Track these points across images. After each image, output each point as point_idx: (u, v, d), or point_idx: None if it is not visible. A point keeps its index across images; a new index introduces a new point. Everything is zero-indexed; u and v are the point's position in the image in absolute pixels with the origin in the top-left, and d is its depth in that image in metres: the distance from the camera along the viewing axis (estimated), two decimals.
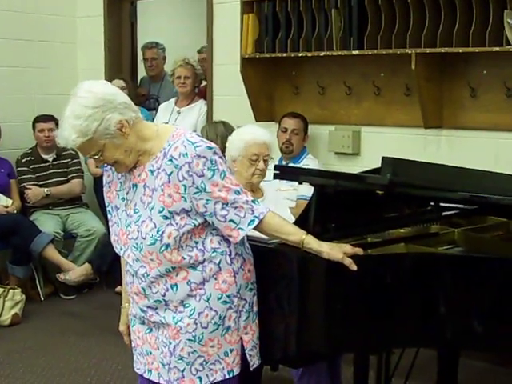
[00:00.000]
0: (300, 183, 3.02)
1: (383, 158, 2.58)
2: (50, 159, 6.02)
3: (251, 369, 2.60)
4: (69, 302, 5.76)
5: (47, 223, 5.78)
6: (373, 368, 3.12)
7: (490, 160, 4.31)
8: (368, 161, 4.80)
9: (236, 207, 2.42)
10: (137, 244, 2.45)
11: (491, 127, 4.40)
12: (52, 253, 5.60)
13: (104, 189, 2.62)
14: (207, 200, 2.40)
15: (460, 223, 3.40)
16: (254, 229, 2.47)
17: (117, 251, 2.58)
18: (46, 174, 5.98)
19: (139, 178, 2.47)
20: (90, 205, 6.21)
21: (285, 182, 4.32)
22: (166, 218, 2.40)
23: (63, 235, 5.86)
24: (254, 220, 2.44)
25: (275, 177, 2.94)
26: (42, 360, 4.59)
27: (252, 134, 3.49)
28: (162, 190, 2.41)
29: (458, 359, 3.63)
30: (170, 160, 2.40)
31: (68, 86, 6.33)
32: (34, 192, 5.87)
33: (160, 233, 2.40)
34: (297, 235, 2.51)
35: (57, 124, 5.97)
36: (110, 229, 2.59)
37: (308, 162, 4.90)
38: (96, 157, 2.41)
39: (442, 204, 3.40)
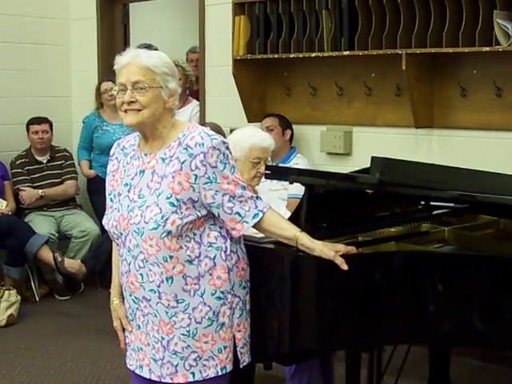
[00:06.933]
0: (291, 183, 3.06)
1: (372, 157, 2.62)
2: (44, 161, 6.05)
3: (241, 366, 2.62)
4: (63, 303, 5.80)
5: (42, 224, 5.80)
6: (365, 365, 3.15)
7: (479, 159, 4.35)
8: (359, 161, 4.83)
9: (241, 201, 2.50)
10: (138, 229, 2.47)
11: (481, 127, 4.43)
12: (47, 254, 5.62)
13: (107, 178, 2.65)
14: (216, 191, 2.46)
15: (450, 222, 3.44)
16: (254, 225, 2.52)
17: (115, 237, 2.59)
18: (40, 176, 6.01)
19: (148, 165, 2.52)
20: (84, 206, 6.24)
21: (275, 182, 4.35)
22: (173, 205, 2.44)
23: (58, 236, 5.88)
24: (258, 214, 2.52)
25: (266, 177, 2.97)
26: (37, 360, 4.62)
27: (257, 137, 3.52)
28: (173, 177, 2.45)
29: (450, 356, 3.67)
30: (185, 149, 2.46)
31: (61, 89, 6.58)
32: (28, 193, 5.90)
33: (164, 219, 2.43)
34: (291, 231, 2.56)
35: (51, 126, 6.03)
36: (109, 215, 2.59)
37: (297, 161, 4.92)
38: (140, 85, 2.45)
39: (432, 203, 3.44)
